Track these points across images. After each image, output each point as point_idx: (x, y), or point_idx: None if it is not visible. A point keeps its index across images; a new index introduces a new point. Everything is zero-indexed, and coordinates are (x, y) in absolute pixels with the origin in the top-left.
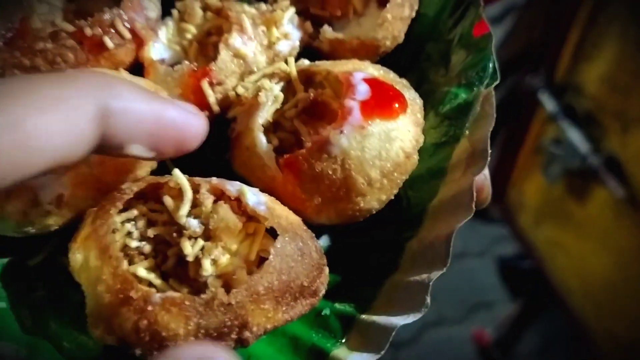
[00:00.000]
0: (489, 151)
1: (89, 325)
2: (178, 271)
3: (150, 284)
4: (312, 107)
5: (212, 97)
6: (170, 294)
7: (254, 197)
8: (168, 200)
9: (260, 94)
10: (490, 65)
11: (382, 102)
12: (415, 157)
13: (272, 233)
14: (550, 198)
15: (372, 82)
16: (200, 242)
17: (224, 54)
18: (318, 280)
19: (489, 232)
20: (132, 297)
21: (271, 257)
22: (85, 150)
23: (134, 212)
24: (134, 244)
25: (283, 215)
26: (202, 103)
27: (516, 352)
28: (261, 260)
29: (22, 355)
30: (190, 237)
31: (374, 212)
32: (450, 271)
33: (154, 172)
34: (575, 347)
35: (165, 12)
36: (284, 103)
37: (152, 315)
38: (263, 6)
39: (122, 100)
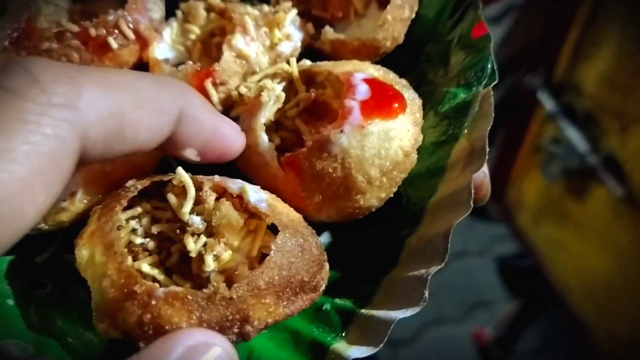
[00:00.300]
0: (487, 149)
1: (94, 320)
2: (181, 267)
3: (154, 280)
4: (313, 106)
5: (215, 96)
6: (173, 288)
7: (255, 195)
8: (172, 198)
9: (262, 93)
10: (489, 65)
11: (381, 102)
12: (414, 155)
13: (274, 230)
14: (550, 197)
15: (372, 82)
16: (203, 238)
17: (227, 55)
18: (318, 275)
19: (489, 231)
20: (136, 292)
21: (272, 252)
22: (158, 144)
23: (138, 210)
24: (138, 240)
25: (284, 212)
26: None
27: (515, 351)
28: (263, 256)
29: (30, 351)
30: (193, 234)
31: (374, 209)
32: (449, 270)
33: (158, 169)
34: (574, 346)
35: (170, 13)
36: (285, 102)
37: (156, 309)
38: (266, 8)
39: (194, 109)
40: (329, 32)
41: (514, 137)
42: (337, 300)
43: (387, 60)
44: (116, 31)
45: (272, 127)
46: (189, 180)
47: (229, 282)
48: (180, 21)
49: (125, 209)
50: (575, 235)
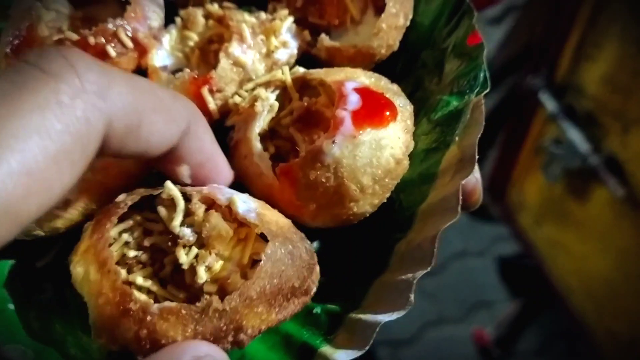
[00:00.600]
0: (477, 157)
1: (93, 335)
2: (175, 277)
3: (149, 291)
4: (307, 114)
5: (212, 103)
6: (167, 304)
7: (244, 205)
8: (162, 211)
9: (256, 103)
10: (482, 74)
11: (372, 112)
12: (406, 162)
13: (264, 235)
14: (551, 198)
15: (363, 91)
16: (195, 250)
17: (223, 62)
18: (309, 279)
19: (490, 231)
20: (131, 309)
21: (262, 262)
22: (163, 152)
23: (130, 222)
24: (131, 253)
25: (273, 220)
26: (202, 109)
27: (516, 351)
28: (254, 263)
29: (29, 357)
30: (184, 246)
31: (368, 215)
32: (450, 271)
33: (147, 179)
34: (575, 346)
35: (169, 20)
36: (279, 110)
37: (151, 324)
38: (263, 15)
39: (199, 128)
40: (324, 39)
41: (515, 137)
42: (328, 304)
43: (383, 66)
44: (115, 40)
45: (267, 136)
46: (177, 193)
47: (222, 290)
48: (179, 28)
49: (117, 222)
50: (576, 235)
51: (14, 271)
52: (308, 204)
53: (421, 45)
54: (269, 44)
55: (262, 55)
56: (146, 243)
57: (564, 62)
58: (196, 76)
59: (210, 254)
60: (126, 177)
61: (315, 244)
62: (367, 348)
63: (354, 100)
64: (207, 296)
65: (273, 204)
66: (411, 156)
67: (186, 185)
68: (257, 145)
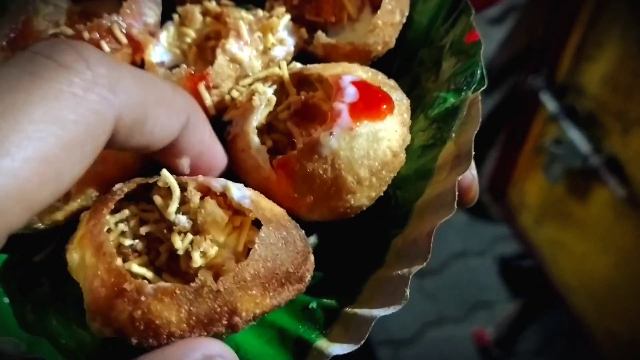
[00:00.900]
0: (473, 153)
1: (87, 320)
2: (171, 266)
3: (144, 279)
4: (304, 108)
5: (208, 99)
6: (162, 284)
7: (238, 192)
8: (158, 199)
9: (254, 97)
10: (479, 71)
11: (369, 104)
12: (403, 155)
13: (259, 226)
14: (551, 198)
15: (360, 85)
16: (190, 236)
17: (220, 59)
18: (304, 266)
19: (490, 231)
20: (125, 290)
21: (256, 245)
22: (165, 144)
23: (126, 213)
24: (127, 242)
25: (267, 207)
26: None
27: (516, 351)
28: (249, 251)
29: (22, 349)
30: (180, 233)
31: (365, 208)
32: (451, 271)
33: (144, 171)
34: (575, 346)
35: (167, 17)
36: (277, 105)
37: (146, 305)
38: (260, 13)
39: (198, 120)
40: (321, 36)
41: (515, 138)
42: (324, 299)
43: (381, 64)
44: (109, 35)
45: (264, 130)
46: (173, 181)
47: (217, 277)
48: (176, 24)
49: (114, 212)
50: (577, 235)
51: (7, 265)
52: (305, 196)
53: (419, 43)
54: (266, 41)
55: (259, 52)
56: (142, 231)
57: (564, 63)
58: (193, 72)
59: (205, 239)
60: (123, 168)
61: (312, 239)
62: (362, 342)
63: (351, 93)
64: (201, 277)
65: (270, 198)
66: (408, 152)
67: (182, 175)
68: (255, 139)
